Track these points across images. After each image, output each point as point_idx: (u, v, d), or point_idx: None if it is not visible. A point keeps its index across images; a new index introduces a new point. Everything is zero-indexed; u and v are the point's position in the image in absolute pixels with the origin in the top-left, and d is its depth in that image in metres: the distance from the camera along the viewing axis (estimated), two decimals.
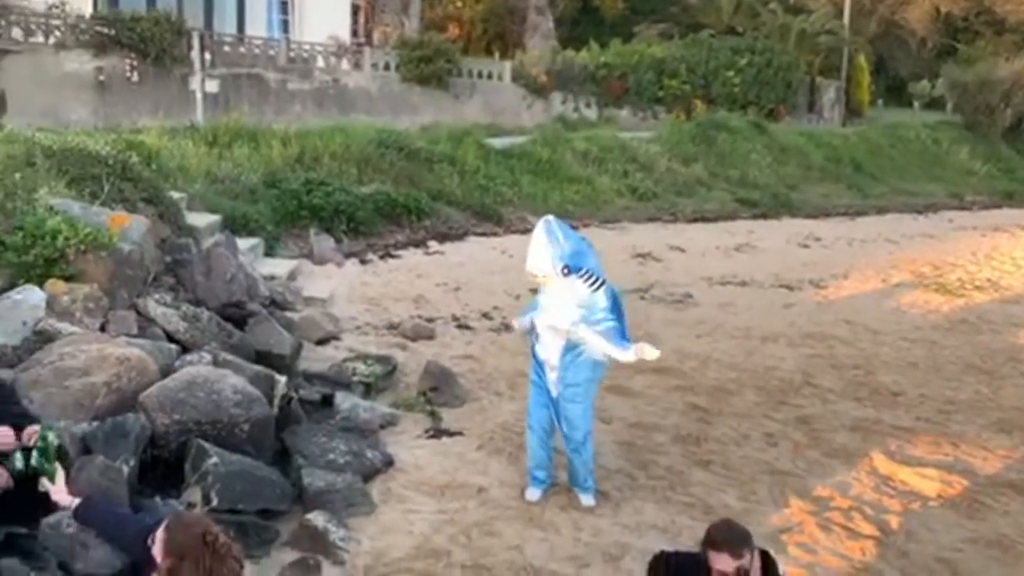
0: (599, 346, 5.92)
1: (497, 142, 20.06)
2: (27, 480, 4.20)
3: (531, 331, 6.16)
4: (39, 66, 17.75)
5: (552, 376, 6.02)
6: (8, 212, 7.48)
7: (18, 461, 4.00)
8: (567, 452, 6.19)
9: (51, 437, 4.08)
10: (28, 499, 4.30)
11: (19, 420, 4.35)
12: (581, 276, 5.83)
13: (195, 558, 3.34)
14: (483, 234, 15.77)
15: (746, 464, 6.92)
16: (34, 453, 4.05)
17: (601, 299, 5.93)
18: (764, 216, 20.94)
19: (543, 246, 5.79)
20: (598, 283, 5.91)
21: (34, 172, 8.58)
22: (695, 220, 19.47)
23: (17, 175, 8.23)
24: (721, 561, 3.68)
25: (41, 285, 6.97)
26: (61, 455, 4.22)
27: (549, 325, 5.94)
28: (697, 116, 27.35)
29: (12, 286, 6.88)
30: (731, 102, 29.56)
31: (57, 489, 3.77)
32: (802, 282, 13.95)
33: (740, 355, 9.81)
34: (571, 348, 5.95)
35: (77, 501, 3.79)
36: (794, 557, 5.50)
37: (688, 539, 5.51)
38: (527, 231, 16.04)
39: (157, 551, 3.40)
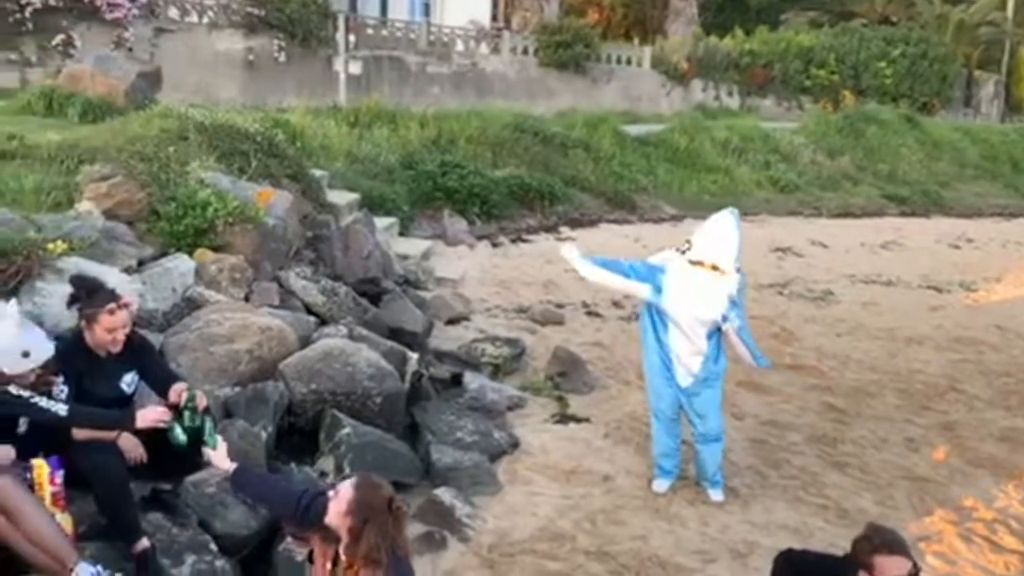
0: (742, 344, 5.85)
1: (634, 129, 19.90)
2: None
3: (650, 319, 6.06)
4: (193, 45, 18.59)
5: (689, 364, 5.94)
6: (162, 183, 7.86)
7: (180, 435, 4.21)
8: (698, 445, 6.12)
9: (197, 397, 4.28)
10: (173, 458, 4.53)
11: (168, 381, 4.59)
12: (740, 273, 5.79)
13: (380, 523, 3.39)
14: (616, 221, 15.70)
15: (884, 468, 6.70)
16: (185, 414, 4.26)
17: (744, 295, 5.88)
18: (913, 214, 20.11)
19: (732, 240, 5.70)
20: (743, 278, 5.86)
21: (187, 146, 8.99)
22: (839, 215, 18.85)
23: (171, 148, 8.64)
24: (897, 565, 3.58)
25: (191, 254, 7.31)
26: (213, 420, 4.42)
27: (697, 316, 5.82)
28: (845, 107, 26.47)
29: (164, 254, 7.24)
30: (882, 94, 28.52)
31: (218, 455, 3.94)
32: (951, 284, 13.36)
33: (882, 356, 9.48)
34: (715, 337, 5.88)
35: (234, 466, 3.95)
36: (933, 567, 5.31)
37: (820, 542, 5.39)
38: (661, 220, 16.08)
39: (337, 510, 3.46)
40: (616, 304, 10.71)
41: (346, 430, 5.78)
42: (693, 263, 5.77)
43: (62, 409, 3.93)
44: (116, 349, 4.39)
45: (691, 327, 5.85)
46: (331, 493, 3.54)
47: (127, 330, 4.41)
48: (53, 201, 6.97)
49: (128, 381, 4.49)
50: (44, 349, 4.04)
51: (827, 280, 12.86)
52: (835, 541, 5.31)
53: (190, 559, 4.26)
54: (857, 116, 24.39)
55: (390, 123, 15.68)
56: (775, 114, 27.17)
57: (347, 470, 5.56)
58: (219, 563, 4.32)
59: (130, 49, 16.64)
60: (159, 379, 4.60)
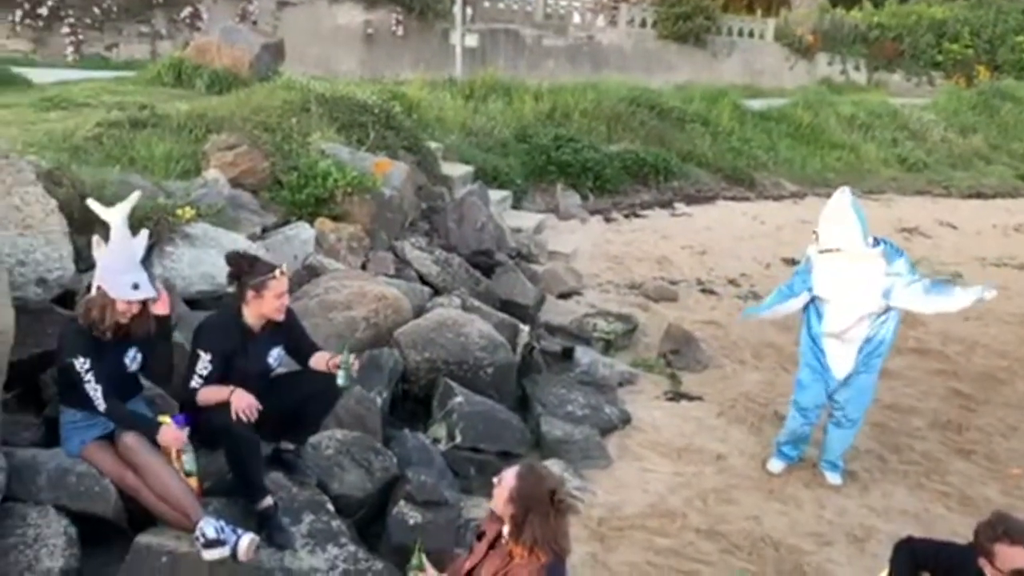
0: (927, 305, 5.62)
1: (755, 103, 19.44)
2: (305, 401, 4.57)
3: (806, 315, 5.91)
4: (314, 18, 18.99)
5: (845, 353, 5.74)
6: (285, 153, 8.09)
7: (340, 379, 4.42)
8: (831, 426, 5.95)
9: (350, 357, 4.44)
10: (297, 420, 4.70)
11: (310, 350, 4.75)
12: (881, 245, 5.60)
13: (543, 512, 3.44)
14: (733, 198, 15.40)
15: (1013, 457, 6.45)
16: (340, 373, 4.42)
17: (902, 262, 5.65)
18: None
19: (850, 220, 5.54)
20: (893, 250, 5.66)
21: (308, 117, 9.22)
22: (970, 196, 18.04)
23: (293, 119, 8.88)
24: (1020, 557, 3.45)
25: (311, 223, 7.52)
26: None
27: (850, 301, 5.64)
28: (979, 83, 25.26)
29: (286, 222, 7.47)
30: (1019, 70, 27.06)
31: None
32: None
33: (1013, 342, 9.07)
34: (877, 319, 5.69)
35: None
36: None
37: (941, 530, 5.22)
38: (781, 197, 15.72)
39: (500, 497, 3.52)
40: (732, 282, 10.54)
41: (458, 399, 5.87)
42: (824, 252, 5.64)
43: (101, 405, 4.02)
44: (281, 317, 4.50)
45: (845, 311, 5.66)
46: (495, 480, 3.62)
47: (288, 297, 4.55)
48: (182, 169, 7.25)
49: (275, 355, 4.63)
50: (150, 289, 4.20)
51: (955, 262, 12.35)
52: (957, 530, 5.14)
53: (308, 518, 4.41)
54: (992, 92, 23.26)
55: (505, 96, 15.71)
56: (904, 90, 26.12)
57: (459, 438, 5.67)
58: (335, 523, 4.45)
59: (254, 22, 17.12)
60: (303, 349, 4.74)
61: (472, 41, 18.03)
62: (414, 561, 3.89)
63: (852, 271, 5.55)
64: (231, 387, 4.27)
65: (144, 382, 4.51)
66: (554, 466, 5.63)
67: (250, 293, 4.45)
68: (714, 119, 17.64)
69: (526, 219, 11.69)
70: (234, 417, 4.18)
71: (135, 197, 4.39)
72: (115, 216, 4.24)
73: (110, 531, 3.98)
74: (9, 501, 3.79)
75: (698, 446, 6.35)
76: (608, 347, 8.03)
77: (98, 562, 3.83)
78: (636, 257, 11.31)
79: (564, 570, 3.66)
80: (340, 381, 4.45)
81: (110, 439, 4.08)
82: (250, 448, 4.27)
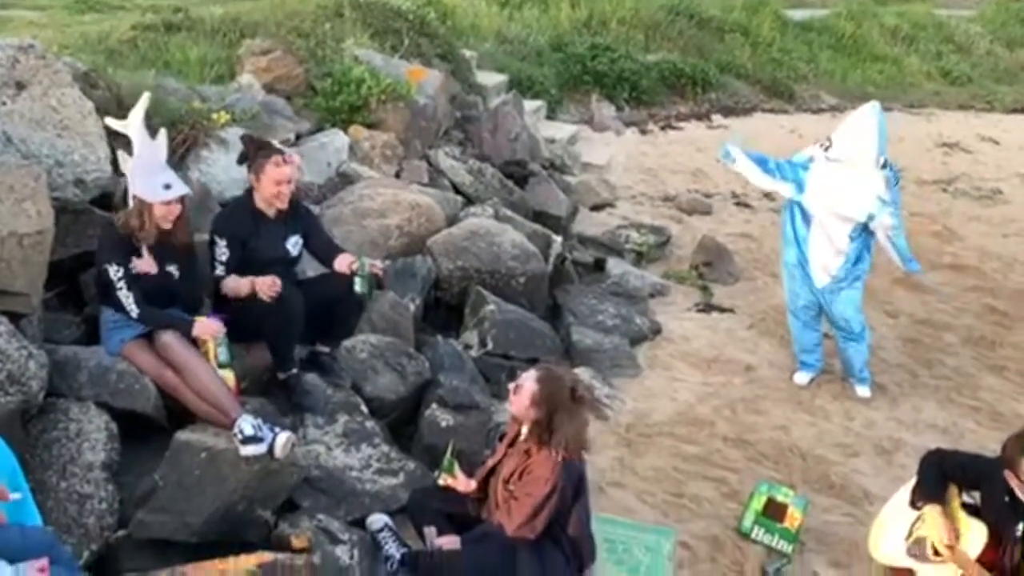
0: (892, 247, 5.63)
1: (796, 13, 18.86)
2: (333, 304, 4.61)
3: (790, 217, 5.85)
4: None
5: (828, 265, 5.71)
6: (318, 60, 8.00)
7: (357, 285, 4.47)
8: (840, 342, 5.96)
9: (366, 263, 4.47)
10: (331, 323, 4.74)
11: (331, 251, 4.77)
12: (887, 168, 5.50)
13: (567, 410, 3.53)
14: (771, 111, 15.06)
15: None
16: (356, 280, 4.46)
17: (894, 192, 5.58)
18: None
19: (870, 137, 5.43)
20: (894, 174, 5.57)
21: (342, 23, 9.09)
22: (1015, 111, 17.53)
23: (327, 25, 8.76)
24: None
25: (345, 130, 7.47)
26: (379, 285, 4.63)
27: (838, 214, 5.59)
28: None
29: (319, 129, 7.43)
30: None
31: (460, 483, 3.99)
32: None
33: None
34: (860, 238, 5.64)
35: (474, 485, 4.01)
36: None
37: (971, 444, 5.23)
38: (820, 110, 15.40)
39: (520, 403, 3.59)
40: (767, 196, 10.37)
41: (490, 307, 5.89)
42: (832, 160, 5.54)
43: (133, 311, 4.08)
44: (282, 205, 4.53)
45: (832, 226, 5.63)
46: (512, 386, 3.65)
47: (292, 187, 4.56)
48: (216, 73, 7.21)
49: (293, 243, 4.67)
50: (182, 186, 4.22)
51: (996, 178, 12.07)
52: (986, 444, 5.13)
53: (343, 418, 4.48)
54: None
55: (541, 3, 15.35)
56: (951, 1, 25.24)
57: (490, 345, 5.70)
58: (369, 424, 4.52)
59: None
60: (322, 247, 4.78)
61: None
62: (445, 464, 3.97)
63: (852, 185, 5.49)
64: (250, 278, 4.35)
65: None
66: (584, 373, 5.67)
67: (252, 176, 4.53)
68: (754, 29, 17.15)
69: (560, 130, 11.53)
70: (265, 297, 4.27)
71: (145, 99, 4.34)
72: (132, 124, 4.22)
73: (149, 427, 4.06)
74: (52, 397, 3.87)
75: (728, 357, 6.35)
76: (640, 259, 7.99)
77: (138, 457, 3.92)
78: (671, 169, 11.16)
79: (582, 469, 3.72)
80: (357, 288, 4.50)
81: (149, 338, 4.14)
82: (293, 321, 4.39)
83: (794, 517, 4.52)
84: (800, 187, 5.71)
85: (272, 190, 4.47)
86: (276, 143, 6.30)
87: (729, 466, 5.10)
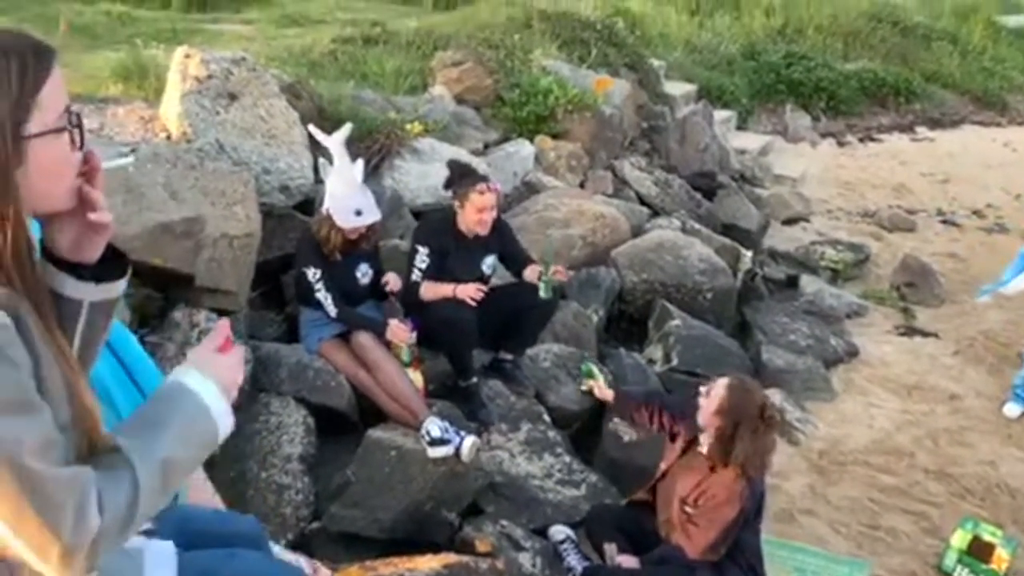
0: None
1: (1011, 19, 17.85)
2: (519, 312, 4.73)
3: None
4: None
5: None
6: (507, 70, 8.21)
7: (541, 290, 4.60)
8: None
9: (551, 268, 4.58)
10: (516, 330, 4.86)
11: (523, 262, 4.90)
12: None
13: (752, 427, 3.48)
14: (981, 123, 14.33)
15: None
16: (541, 285, 4.58)
17: None
18: None
19: None
20: None
21: (531, 34, 9.31)
22: None
23: (516, 36, 8.99)
24: None
25: (531, 140, 7.64)
26: (562, 292, 4.73)
27: None
28: None
29: (506, 139, 7.63)
30: None
31: (600, 387, 4.15)
32: None
33: None
34: None
35: (612, 393, 4.16)
36: None
37: None
38: None
39: (708, 409, 3.59)
40: (976, 213, 9.89)
41: (676, 321, 5.86)
42: None
43: (331, 310, 4.32)
44: (483, 231, 4.68)
45: None
46: (702, 390, 3.65)
47: (494, 213, 4.70)
48: (410, 84, 7.52)
49: (489, 264, 4.82)
50: (374, 213, 4.43)
51: None
52: None
53: (525, 427, 4.57)
54: None
55: (733, 11, 15.19)
56: None
57: (675, 360, 5.67)
58: (551, 433, 4.60)
59: None
60: (516, 261, 4.91)
61: None
62: (584, 369, 4.07)
63: None
64: (452, 285, 4.52)
65: None
66: (774, 396, 5.55)
67: (456, 203, 4.68)
68: (964, 36, 16.37)
69: (751, 140, 11.36)
70: (466, 300, 4.46)
71: (348, 127, 4.58)
72: (334, 143, 4.46)
73: (343, 424, 4.28)
74: (255, 390, 4.15)
75: (930, 384, 6.07)
76: (836, 276, 7.77)
77: (332, 451, 4.14)
78: (870, 183, 10.79)
79: (763, 489, 3.65)
80: (541, 293, 4.61)
81: (345, 338, 4.38)
82: (467, 335, 4.52)
83: (1001, 558, 4.29)
84: None
85: (475, 217, 4.62)
86: (467, 153, 6.60)
87: (930, 500, 4.87)
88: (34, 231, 1.43)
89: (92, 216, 1.48)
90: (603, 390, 4.08)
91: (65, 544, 1.30)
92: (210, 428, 1.54)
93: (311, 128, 4.72)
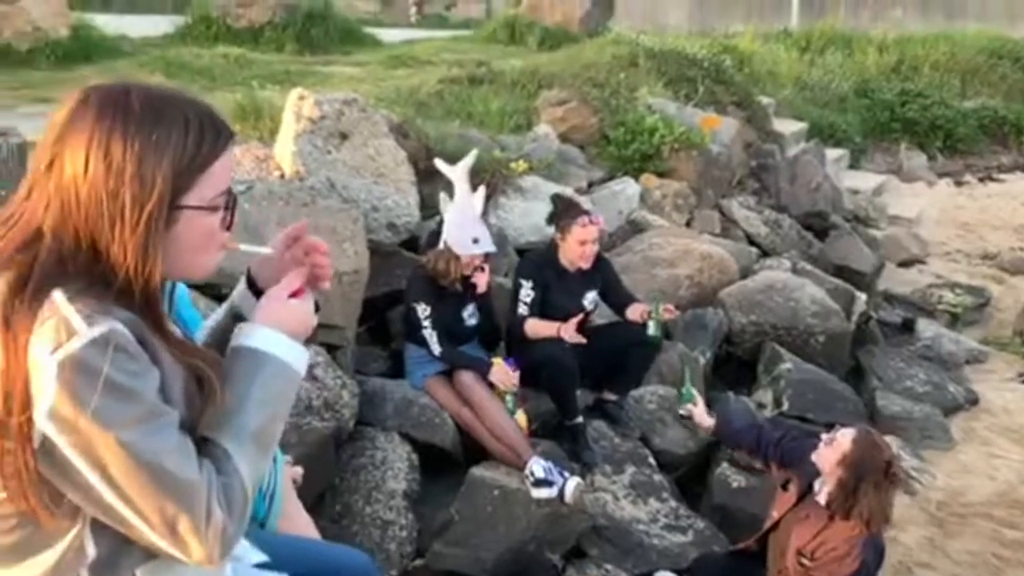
0: None
1: None
2: (623, 352, 4.70)
3: None
4: None
5: None
6: (612, 109, 8.25)
7: (649, 328, 4.60)
8: None
9: (660, 307, 4.56)
10: (618, 370, 4.83)
11: (626, 301, 4.89)
12: None
13: (875, 482, 3.37)
14: None
15: None
16: (650, 323, 4.56)
17: None
18: None
19: None
20: None
21: (636, 72, 9.33)
22: None
23: (622, 75, 9.03)
24: None
25: (636, 178, 7.64)
26: (668, 332, 4.69)
27: None
28: None
29: (611, 177, 7.65)
30: None
31: (699, 412, 4.10)
32: None
33: None
34: None
35: (713, 422, 4.09)
36: None
37: None
38: None
39: (831, 458, 3.49)
40: None
41: (787, 365, 5.75)
42: None
43: (436, 348, 4.35)
44: (585, 265, 4.70)
45: None
46: (825, 437, 3.57)
47: (596, 247, 4.72)
48: (515, 123, 7.61)
49: (590, 299, 4.83)
50: (489, 243, 4.50)
51: None
52: None
53: (630, 470, 4.53)
54: None
55: (845, 48, 14.98)
56: None
57: (785, 405, 5.56)
58: (657, 477, 4.54)
59: None
60: (618, 298, 4.91)
61: None
62: (684, 392, 4.07)
63: None
64: (557, 324, 4.51)
65: None
66: (891, 443, 5.37)
67: (558, 235, 4.71)
68: None
69: (865, 180, 11.14)
70: (565, 338, 4.43)
71: (473, 155, 4.68)
72: (458, 173, 4.54)
73: (446, 461, 4.31)
74: (361, 425, 4.21)
75: None
76: (955, 321, 7.53)
77: (435, 489, 4.17)
78: (991, 225, 10.44)
79: (882, 544, 3.52)
80: (650, 331, 4.60)
81: (449, 375, 4.42)
82: (568, 375, 4.50)
83: None
84: None
85: (577, 250, 4.65)
86: (572, 191, 6.63)
87: None
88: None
89: (318, 268, 1.66)
90: (703, 417, 4.00)
91: (203, 540, 1.38)
92: (289, 377, 1.57)
93: (437, 162, 4.82)
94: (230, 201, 1.51)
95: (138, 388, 1.35)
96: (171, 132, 1.40)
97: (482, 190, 4.67)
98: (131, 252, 1.38)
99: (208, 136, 1.44)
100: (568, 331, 4.47)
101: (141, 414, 1.35)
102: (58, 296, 1.33)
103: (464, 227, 4.43)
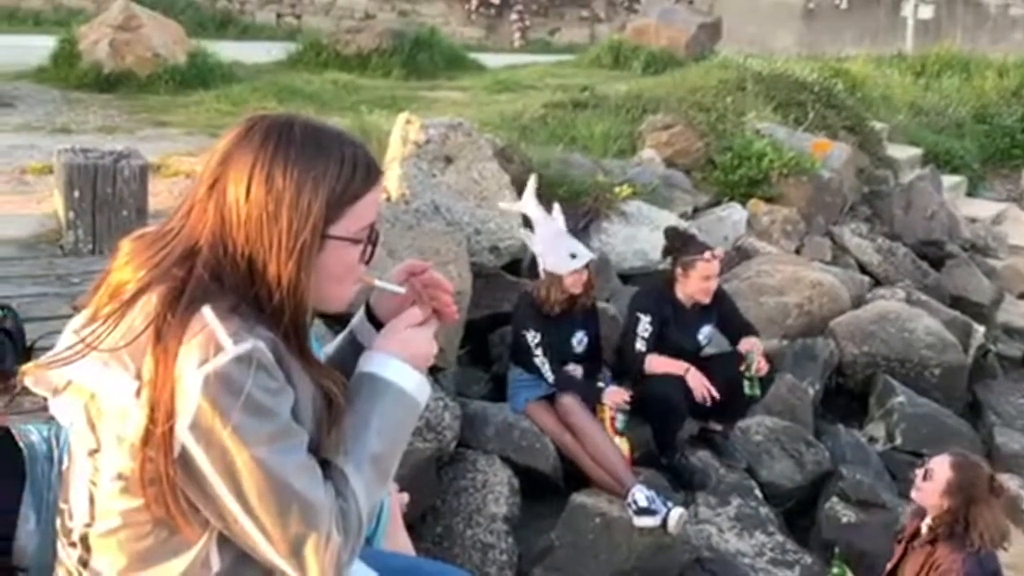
0: None
1: None
2: (731, 382, 4.62)
3: None
4: None
5: None
6: (719, 133, 8.18)
7: (745, 387, 4.49)
8: None
9: (753, 363, 4.46)
10: (726, 402, 4.76)
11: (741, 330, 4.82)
12: None
13: (986, 501, 3.36)
14: None
15: None
16: (744, 382, 4.48)
17: None
18: None
19: None
20: None
21: (744, 96, 9.23)
22: None
23: (729, 99, 8.94)
24: None
25: (744, 204, 7.55)
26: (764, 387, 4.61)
27: None
28: None
29: (717, 202, 7.58)
30: None
31: None
32: None
33: None
34: None
35: None
36: None
37: None
38: None
39: (933, 490, 3.44)
40: None
41: (900, 398, 5.60)
42: None
43: (549, 376, 4.35)
44: (706, 300, 4.67)
45: None
46: (918, 473, 3.50)
47: (716, 282, 4.69)
48: (619, 148, 7.61)
49: (706, 333, 4.79)
50: (587, 254, 4.51)
51: None
52: None
53: (735, 502, 4.46)
54: None
55: (962, 72, 14.54)
56: None
57: (898, 440, 5.43)
58: (763, 510, 4.46)
59: (691, 1, 17.42)
60: (735, 329, 4.84)
61: (927, 12, 16.94)
62: (835, 571, 3.83)
63: None
64: (686, 365, 4.46)
65: None
66: (1010, 482, 5.16)
67: (678, 270, 4.65)
68: None
69: (983, 208, 10.79)
70: (697, 396, 4.40)
71: (534, 179, 4.71)
72: (526, 204, 4.60)
73: (546, 486, 4.31)
74: (462, 447, 4.25)
75: None
76: None
77: (535, 514, 4.18)
78: None
79: (992, 564, 3.41)
80: (747, 391, 4.50)
81: (551, 400, 4.43)
82: (677, 417, 4.51)
83: None
84: None
85: (700, 286, 4.62)
86: (676, 217, 6.60)
87: None
88: None
89: (442, 306, 1.70)
90: None
91: (320, 561, 1.41)
92: (409, 406, 1.58)
93: (501, 204, 4.90)
94: (373, 235, 1.55)
95: (275, 407, 1.39)
96: (328, 164, 1.46)
97: (557, 206, 4.68)
98: (286, 274, 1.43)
99: (360, 171, 1.50)
100: (697, 381, 4.41)
101: (276, 432, 1.39)
102: (207, 312, 1.38)
103: (557, 249, 4.45)
